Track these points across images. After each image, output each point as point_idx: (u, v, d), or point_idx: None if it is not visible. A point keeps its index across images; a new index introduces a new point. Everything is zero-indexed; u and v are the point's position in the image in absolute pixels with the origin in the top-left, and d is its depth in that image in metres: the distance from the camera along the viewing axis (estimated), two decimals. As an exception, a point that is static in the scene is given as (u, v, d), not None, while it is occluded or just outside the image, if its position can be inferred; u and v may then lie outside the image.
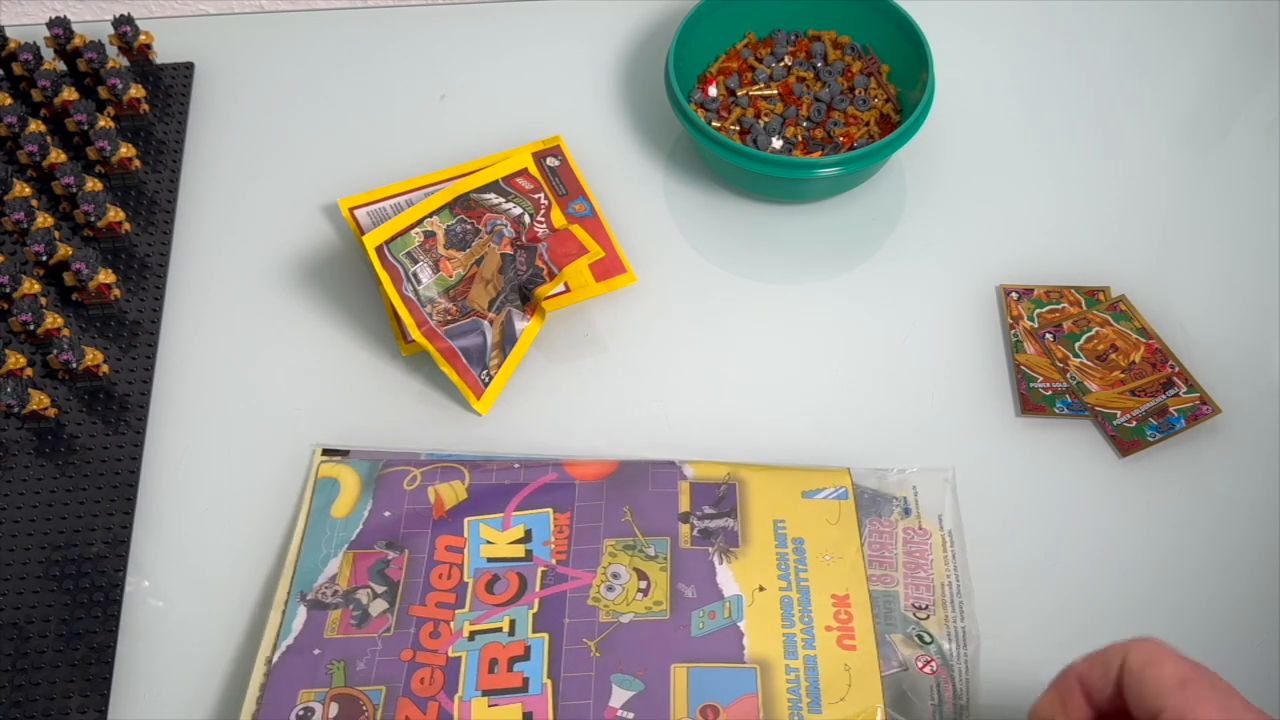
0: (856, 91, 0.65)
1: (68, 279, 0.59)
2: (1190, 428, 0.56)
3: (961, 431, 0.56)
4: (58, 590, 0.52)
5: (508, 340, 0.58)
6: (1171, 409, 0.56)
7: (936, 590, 0.51)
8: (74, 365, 0.56)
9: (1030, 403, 0.57)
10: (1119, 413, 0.56)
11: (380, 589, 0.51)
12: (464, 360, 0.56)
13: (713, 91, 0.66)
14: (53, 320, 0.58)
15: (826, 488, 0.53)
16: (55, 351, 0.56)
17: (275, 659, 0.49)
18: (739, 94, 0.65)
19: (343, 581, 0.51)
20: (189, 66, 0.70)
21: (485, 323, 0.57)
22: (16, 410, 0.55)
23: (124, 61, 0.69)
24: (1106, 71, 0.70)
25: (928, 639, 0.49)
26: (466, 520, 0.53)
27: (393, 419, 0.57)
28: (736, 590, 0.50)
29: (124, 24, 0.68)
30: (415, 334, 0.55)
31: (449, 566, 0.52)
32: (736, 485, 0.54)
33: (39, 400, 0.56)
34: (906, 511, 0.53)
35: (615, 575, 0.51)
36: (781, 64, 0.67)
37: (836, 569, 0.51)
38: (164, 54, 0.70)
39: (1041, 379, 0.57)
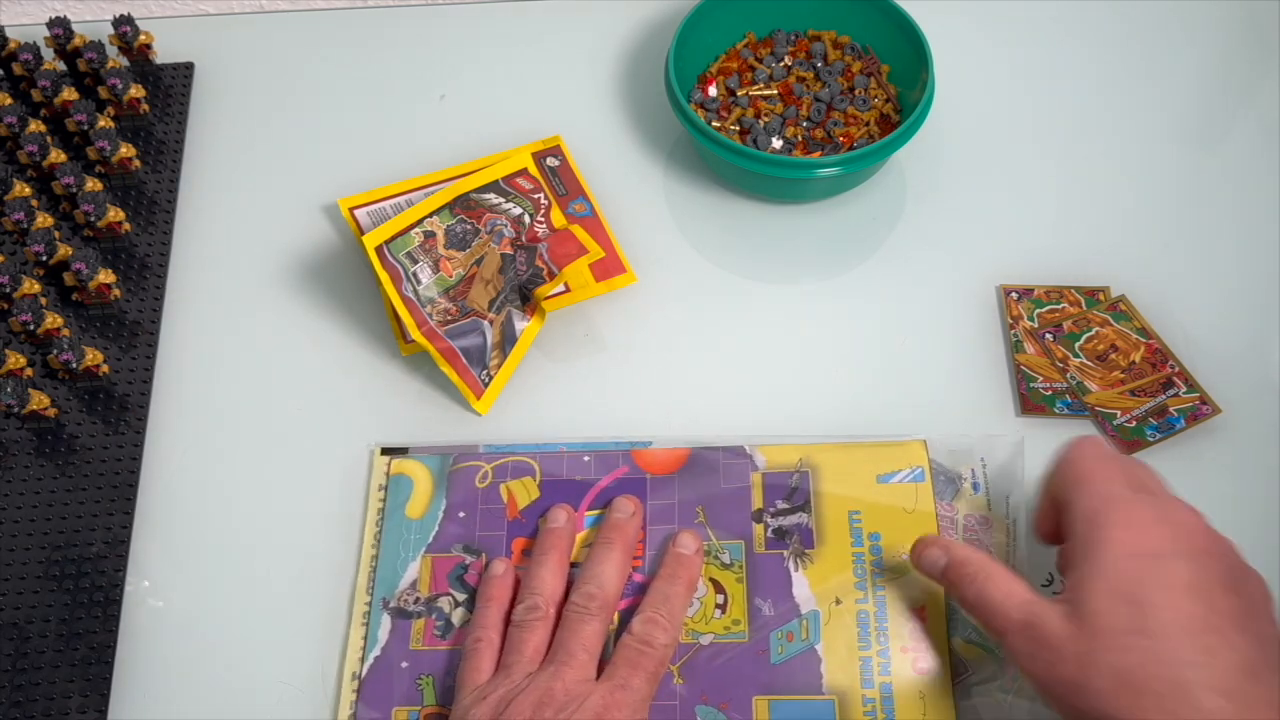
0: (856, 91, 0.65)
1: (68, 279, 0.59)
2: (1190, 428, 0.56)
3: (962, 431, 0.56)
4: (58, 590, 0.52)
5: (508, 340, 0.58)
6: (1171, 409, 0.56)
7: None
8: (74, 365, 0.56)
9: (1030, 403, 0.57)
10: (1119, 413, 0.56)
11: (461, 597, 0.51)
12: (464, 360, 0.56)
13: (713, 91, 0.66)
14: (53, 320, 0.58)
15: (902, 469, 0.53)
16: (55, 351, 0.56)
17: (364, 673, 0.49)
18: (739, 94, 0.65)
19: (423, 588, 0.51)
20: (189, 66, 0.70)
21: (485, 323, 0.57)
22: (16, 410, 0.55)
23: (124, 61, 0.69)
24: (1107, 71, 0.70)
25: (990, 647, 0.48)
26: (540, 521, 0.53)
27: (393, 419, 0.57)
28: (813, 605, 0.50)
29: (124, 24, 0.68)
30: (415, 334, 0.55)
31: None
32: (809, 473, 0.53)
33: (39, 400, 0.56)
34: (975, 487, 0.52)
35: None
36: (781, 64, 0.67)
37: (914, 575, 0.50)
38: (164, 54, 0.70)
39: (1041, 379, 0.57)
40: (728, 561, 0.51)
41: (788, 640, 0.49)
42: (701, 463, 0.54)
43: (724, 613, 0.50)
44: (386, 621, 0.50)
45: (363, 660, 0.50)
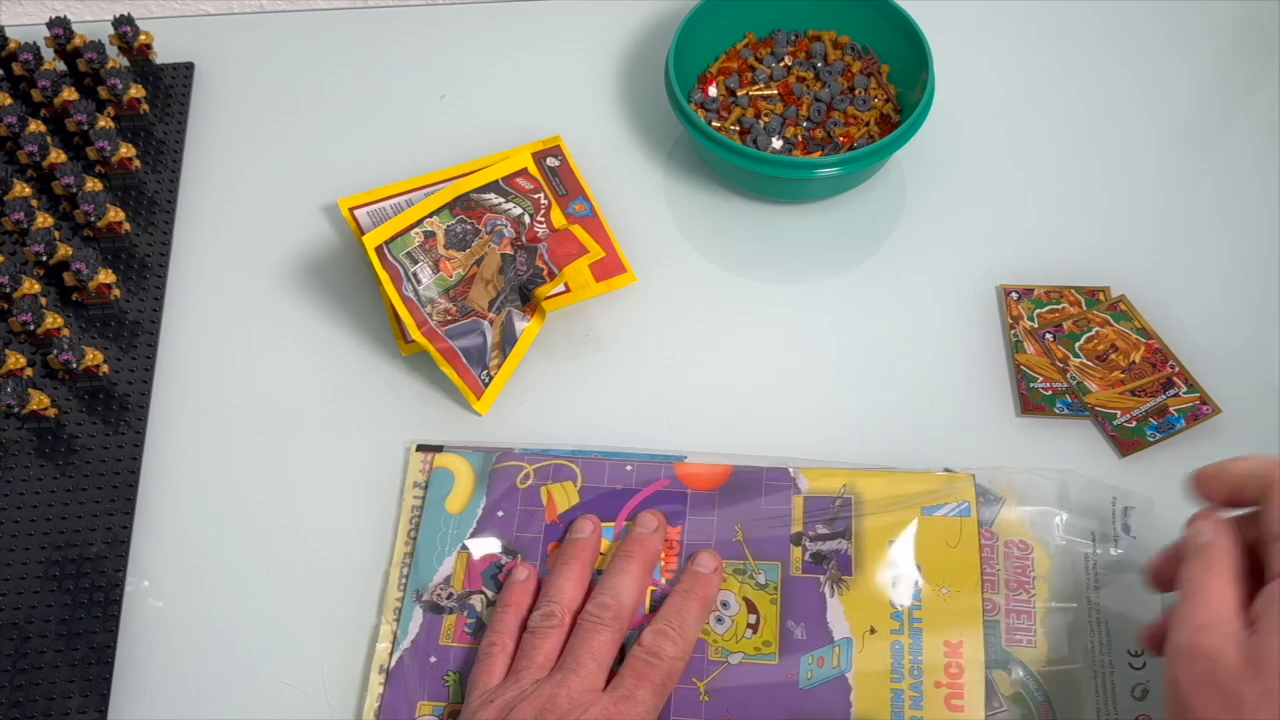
0: (856, 91, 0.65)
1: (68, 279, 0.59)
2: (1190, 428, 0.56)
3: (962, 431, 0.56)
4: (58, 590, 0.52)
5: (508, 340, 0.58)
6: (1171, 409, 0.56)
7: (1038, 617, 0.49)
8: (74, 365, 0.56)
9: (1030, 403, 0.57)
10: (1119, 413, 0.56)
11: (494, 596, 0.51)
12: (464, 360, 0.56)
13: (713, 91, 0.66)
14: (53, 320, 0.58)
15: (948, 503, 0.51)
16: (55, 351, 0.56)
17: (392, 665, 0.49)
18: (739, 94, 0.65)
19: (457, 584, 0.51)
20: (189, 66, 0.70)
21: (485, 323, 0.57)
22: (16, 410, 0.55)
23: (124, 61, 0.69)
24: (1107, 71, 0.70)
25: (1031, 686, 0.48)
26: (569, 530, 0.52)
27: (393, 419, 0.57)
28: (847, 632, 0.49)
29: (124, 24, 0.68)
30: (415, 334, 0.55)
31: None
32: (852, 500, 0.52)
33: (39, 400, 0.56)
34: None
35: (725, 604, 0.50)
36: (781, 64, 0.67)
37: (953, 606, 0.49)
38: (164, 54, 0.70)
39: (1041, 379, 0.57)
40: (763, 582, 0.50)
41: (818, 666, 0.48)
42: (744, 481, 0.53)
43: (755, 633, 0.49)
44: (418, 615, 0.50)
45: (391, 653, 0.50)
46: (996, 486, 0.53)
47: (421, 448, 0.55)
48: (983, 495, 0.52)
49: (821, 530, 0.51)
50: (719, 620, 0.50)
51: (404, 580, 0.52)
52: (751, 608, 0.50)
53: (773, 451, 0.55)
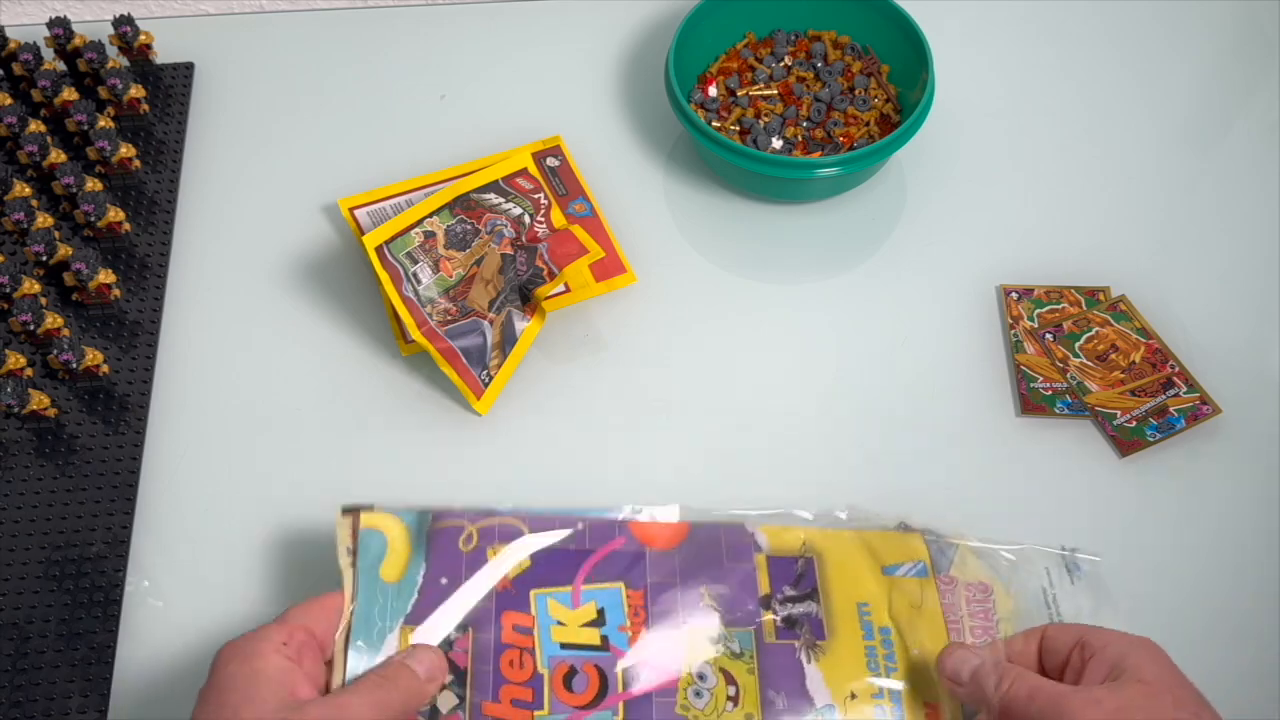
0: (856, 91, 0.65)
1: (68, 279, 0.59)
2: (1190, 428, 0.56)
3: (962, 432, 0.56)
4: (58, 590, 0.52)
5: (508, 340, 0.58)
6: (1171, 409, 0.56)
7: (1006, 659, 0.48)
8: (74, 365, 0.56)
9: (1030, 403, 0.57)
10: (1119, 413, 0.56)
11: (446, 679, 0.45)
12: (464, 360, 0.56)
13: (713, 91, 0.66)
14: (53, 320, 0.58)
15: (904, 563, 0.50)
16: (55, 351, 0.56)
17: None
18: (739, 94, 0.65)
19: None
20: (189, 66, 0.70)
21: (485, 323, 0.57)
22: (16, 410, 0.55)
23: (124, 61, 0.69)
24: (1107, 71, 0.70)
25: None
26: (533, 594, 0.48)
27: (393, 419, 0.57)
28: (828, 699, 0.47)
29: (124, 24, 0.68)
30: (415, 334, 0.55)
31: (519, 652, 0.47)
32: (814, 560, 0.50)
33: (39, 400, 0.56)
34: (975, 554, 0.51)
35: (701, 677, 0.47)
36: (781, 64, 0.67)
37: (926, 669, 0.47)
38: (164, 54, 0.70)
39: (1042, 379, 0.57)
40: (738, 651, 0.48)
41: None
42: (702, 539, 0.50)
43: (736, 705, 0.46)
44: None
45: None
46: (950, 534, 0.51)
47: (347, 510, 0.48)
48: (935, 546, 0.51)
49: (789, 592, 0.50)
50: (697, 694, 0.47)
51: (345, 656, 0.45)
52: (729, 679, 0.47)
53: (774, 449, 0.55)
